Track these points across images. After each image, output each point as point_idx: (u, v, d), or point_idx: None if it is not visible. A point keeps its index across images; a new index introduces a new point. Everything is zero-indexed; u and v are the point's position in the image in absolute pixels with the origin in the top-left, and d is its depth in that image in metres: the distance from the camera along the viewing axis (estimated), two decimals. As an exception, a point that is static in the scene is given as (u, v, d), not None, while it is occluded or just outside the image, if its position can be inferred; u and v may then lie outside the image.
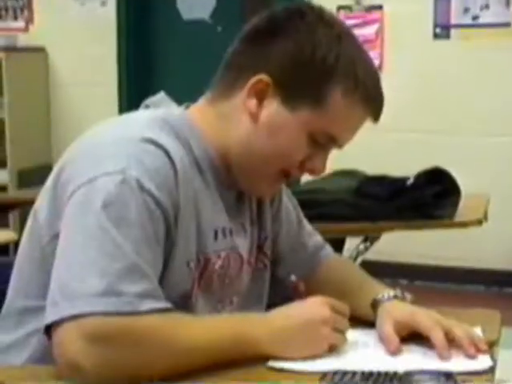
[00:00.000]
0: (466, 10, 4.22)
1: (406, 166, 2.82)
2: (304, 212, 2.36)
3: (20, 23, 5.24)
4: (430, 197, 2.51)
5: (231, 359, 1.09)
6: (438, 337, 1.15)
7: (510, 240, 4.24)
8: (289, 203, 1.44)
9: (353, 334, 1.18)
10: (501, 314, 1.36)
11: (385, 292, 1.29)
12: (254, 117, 1.20)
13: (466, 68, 4.24)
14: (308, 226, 1.48)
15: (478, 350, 1.14)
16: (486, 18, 4.19)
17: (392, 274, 4.12)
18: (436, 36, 4.29)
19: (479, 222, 2.52)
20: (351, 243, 2.83)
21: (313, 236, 1.48)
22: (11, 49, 5.01)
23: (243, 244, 1.29)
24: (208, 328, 1.10)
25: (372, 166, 2.94)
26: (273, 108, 1.19)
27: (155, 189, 1.09)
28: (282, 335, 1.12)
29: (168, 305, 1.07)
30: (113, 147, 1.12)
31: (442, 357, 1.13)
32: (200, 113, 1.25)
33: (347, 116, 1.20)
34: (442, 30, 4.28)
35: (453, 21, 4.25)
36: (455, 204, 2.54)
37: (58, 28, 5.11)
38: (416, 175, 2.57)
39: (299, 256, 1.44)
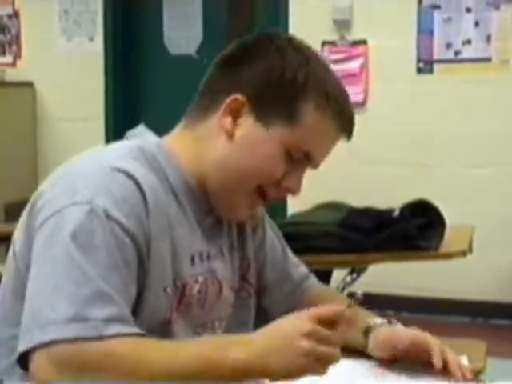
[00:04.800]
0: (449, 46, 4.29)
1: (391, 198, 2.85)
2: (290, 244, 2.37)
3: (8, 58, 5.27)
4: (416, 228, 2.53)
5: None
6: (438, 352, 1.21)
7: (495, 271, 4.27)
8: (273, 235, 1.46)
9: (346, 364, 1.19)
10: (486, 345, 1.38)
11: (375, 319, 1.32)
12: (230, 135, 1.22)
13: (449, 102, 4.30)
14: (293, 257, 1.50)
15: (464, 378, 1.16)
16: (467, 53, 4.26)
17: (378, 305, 4.12)
18: (419, 71, 4.36)
19: (464, 254, 2.55)
20: (338, 275, 2.84)
21: (298, 267, 1.49)
22: (-1, 84, 5.04)
23: (221, 268, 1.29)
24: (178, 351, 1.08)
25: (358, 199, 2.97)
26: (248, 125, 1.22)
27: (123, 217, 1.11)
28: (258, 354, 1.08)
29: (135, 330, 1.08)
30: (83, 177, 1.14)
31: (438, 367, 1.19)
32: (176, 139, 1.27)
33: (321, 131, 1.23)
34: (426, 64, 4.34)
35: (435, 56, 4.32)
36: (440, 235, 2.57)
37: (45, 63, 5.14)
38: (401, 207, 2.60)
39: (285, 287, 1.45)
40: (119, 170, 1.13)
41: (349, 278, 2.77)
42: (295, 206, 3.92)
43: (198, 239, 1.24)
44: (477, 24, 4.22)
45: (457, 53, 4.28)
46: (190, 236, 1.22)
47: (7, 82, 5.12)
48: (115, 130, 5.00)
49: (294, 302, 1.43)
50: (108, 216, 1.09)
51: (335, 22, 4.47)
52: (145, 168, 1.18)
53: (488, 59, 4.22)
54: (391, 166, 4.40)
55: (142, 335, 1.08)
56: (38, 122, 5.21)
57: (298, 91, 1.21)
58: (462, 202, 4.18)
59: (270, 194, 1.25)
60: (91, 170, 1.15)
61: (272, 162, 1.21)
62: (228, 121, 1.22)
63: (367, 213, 2.67)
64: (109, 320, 1.05)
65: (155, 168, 1.20)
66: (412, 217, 2.56)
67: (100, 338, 1.03)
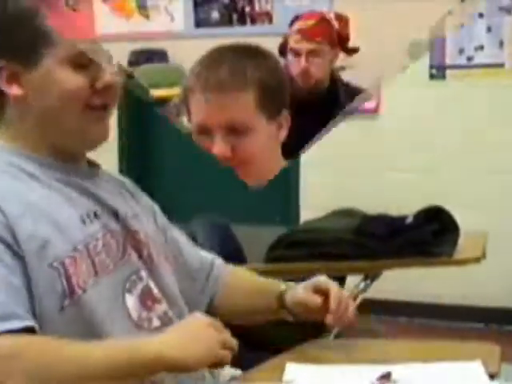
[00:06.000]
0: (461, 51, 4.29)
1: (404, 205, 2.85)
2: (304, 251, 2.37)
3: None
4: (429, 235, 2.53)
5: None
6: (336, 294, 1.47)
7: (509, 277, 4.25)
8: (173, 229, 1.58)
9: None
10: (501, 351, 1.38)
11: (283, 284, 1.53)
12: (24, 96, 1.30)
13: (462, 108, 4.30)
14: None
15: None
16: (480, 58, 4.26)
17: (392, 311, 4.12)
18: (432, 76, 4.35)
19: (478, 260, 2.54)
20: (351, 281, 2.84)
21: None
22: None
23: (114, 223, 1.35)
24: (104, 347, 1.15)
25: (371, 205, 2.97)
26: (27, 78, 1.30)
27: None
28: (175, 346, 1.15)
29: (20, 323, 1.11)
30: None
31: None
32: (3, 141, 1.34)
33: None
34: (438, 70, 4.34)
35: (448, 61, 4.32)
36: (454, 242, 2.56)
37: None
38: (415, 214, 2.59)
39: (207, 266, 1.58)
40: None
41: (362, 285, 2.76)
42: (308, 213, 3.92)
43: (78, 203, 1.29)
44: (489, 29, 4.22)
45: (469, 58, 4.27)
46: (68, 205, 1.27)
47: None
48: (128, 138, 5.00)
49: (218, 281, 1.57)
50: None
51: (347, 28, 4.47)
52: None
53: (501, 65, 4.21)
54: (404, 172, 4.40)
55: (29, 329, 1.12)
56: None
57: (31, 14, 1.29)
58: (476, 208, 4.17)
59: (98, 102, 1.32)
60: None
61: (69, 82, 1.30)
62: (14, 89, 1.31)
63: (381, 219, 2.67)
64: None
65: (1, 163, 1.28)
66: (426, 223, 2.55)
67: None
